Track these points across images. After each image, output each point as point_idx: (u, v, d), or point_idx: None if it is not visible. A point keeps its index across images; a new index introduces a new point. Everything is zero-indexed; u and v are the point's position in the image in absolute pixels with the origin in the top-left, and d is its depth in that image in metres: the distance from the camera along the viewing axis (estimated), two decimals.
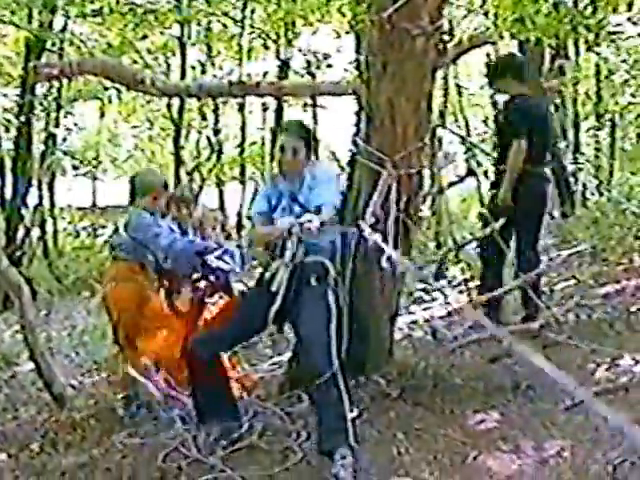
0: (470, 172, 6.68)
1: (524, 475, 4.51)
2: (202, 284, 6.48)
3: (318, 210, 5.14)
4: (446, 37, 5.91)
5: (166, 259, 6.30)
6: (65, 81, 16.75)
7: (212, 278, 6.44)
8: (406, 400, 5.67)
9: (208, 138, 20.39)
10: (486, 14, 9.98)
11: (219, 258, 6.39)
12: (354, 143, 5.95)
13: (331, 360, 4.87)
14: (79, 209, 22.36)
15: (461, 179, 7.77)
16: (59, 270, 16.87)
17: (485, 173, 19.56)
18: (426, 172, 6.04)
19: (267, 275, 5.24)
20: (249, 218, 5.78)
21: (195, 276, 6.45)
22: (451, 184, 7.36)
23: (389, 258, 4.49)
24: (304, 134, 5.50)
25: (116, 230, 6.58)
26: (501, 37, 7.88)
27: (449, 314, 8.41)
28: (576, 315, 7.56)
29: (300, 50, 17.74)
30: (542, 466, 4.59)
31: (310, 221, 4.98)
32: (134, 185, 6.48)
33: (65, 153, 18.89)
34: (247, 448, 5.18)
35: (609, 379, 5.78)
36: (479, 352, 6.69)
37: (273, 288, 5.11)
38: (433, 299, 9.20)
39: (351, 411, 5.24)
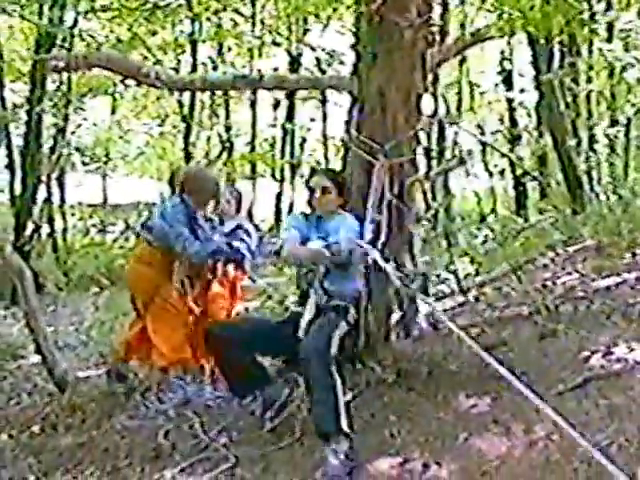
0: (461, 161, 6.64)
1: (513, 456, 4.55)
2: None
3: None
4: (435, 29, 5.98)
5: None
6: (75, 77, 16.88)
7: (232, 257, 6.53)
8: (401, 385, 5.73)
9: (219, 135, 20.49)
10: (489, 10, 10.04)
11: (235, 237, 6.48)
12: (347, 132, 6.03)
13: (328, 346, 4.94)
14: (89, 206, 22.48)
15: (450, 169, 7.79)
16: (67, 266, 16.96)
17: (502, 172, 19.75)
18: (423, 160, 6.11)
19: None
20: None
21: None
22: (438, 173, 7.39)
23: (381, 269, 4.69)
24: (332, 175, 5.63)
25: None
26: (502, 34, 7.89)
27: (453, 308, 8.47)
28: (574, 306, 7.60)
29: (311, 47, 17.80)
30: (531, 447, 4.63)
31: (337, 243, 5.16)
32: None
33: (76, 149, 19.01)
34: (246, 430, 5.27)
35: (603, 366, 5.83)
36: (477, 340, 6.75)
37: (300, 334, 5.22)
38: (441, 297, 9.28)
39: (345, 395, 5.36)
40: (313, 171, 5.85)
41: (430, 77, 6.22)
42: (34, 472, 4.80)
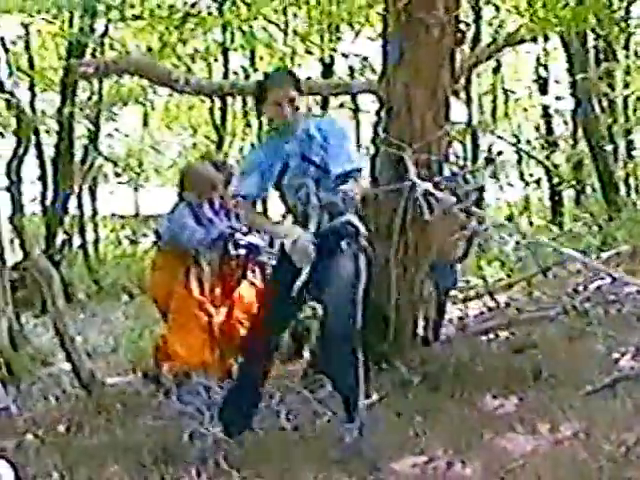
0: (490, 160, 6.59)
1: (538, 454, 4.52)
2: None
3: (345, 177, 4.67)
4: (463, 26, 5.94)
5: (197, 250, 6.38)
6: (106, 86, 17.03)
7: (243, 254, 6.51)
8: (427, 386, 5.73)
9: (252, 145, 20.51)
10: (519, 13, 10.01)
11: (246, 233, 6.47)
12: (375, 132, 6.02)
13: (354, 327, 4.76)
14: (121, 217, 22.60)
15: (479, 169, 7.75)
16: (98, 275, 17.06)
17: (537, 181, 19.60)
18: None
19: (288, 246, 4.77)
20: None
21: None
22: (469, 172, 7.34)
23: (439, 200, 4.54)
24: (295, 82, 4.90)
25: None
26: (534, 35, 7.87)
27: (482, 313, 8.44)
28: (605, 309, 7.54)
29: (343, 54, 17.79)
30: (557, 446, 4.61)
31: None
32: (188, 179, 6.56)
33: (106, 159, 19.13)
34: (269, 430, 5.25)
35: (632, 367, 5.78)
36: (506, 343, 6.74)
37: (297, 262, 4.72)
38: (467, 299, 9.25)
39: (369, 396, 5.33)
40: (271, 80, 4.96)
41: (463, 81, 6.20)
42: (58, 469, 4.80)
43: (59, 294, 6.56)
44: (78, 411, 6.16)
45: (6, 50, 7.76)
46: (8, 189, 8.16)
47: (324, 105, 19.51)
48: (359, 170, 4.78)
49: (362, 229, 4.84)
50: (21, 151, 8.46)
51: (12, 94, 8.10)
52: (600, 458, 4.31)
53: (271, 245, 6.60)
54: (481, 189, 5.96)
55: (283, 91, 4.80)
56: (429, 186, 4.85)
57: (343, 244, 4.78)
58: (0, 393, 6.42)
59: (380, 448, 4.76)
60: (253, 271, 6.69)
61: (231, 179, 6.74)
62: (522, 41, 8.10)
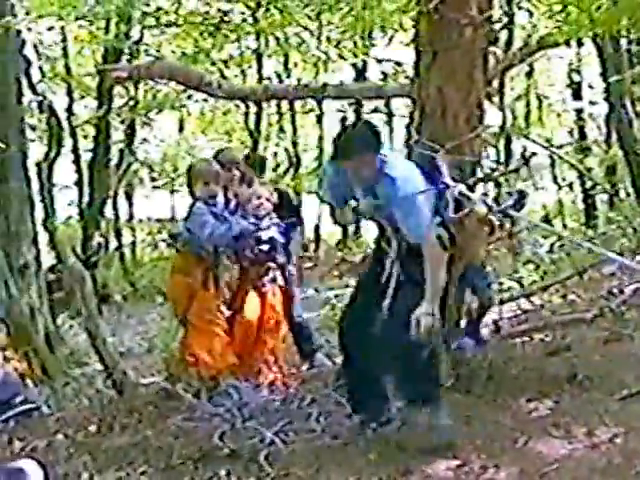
0: (525, 161, 6.51)
1: (573, 459, 4.47)
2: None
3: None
4: (497, 27, 5.87)
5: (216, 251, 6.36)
6: (141, 92, 17.13)
7: (265, 250, 6.50)
8: (459, 389, 5.65)
9: (286, 150, 20.57)
10: (551, 17, 9.91)
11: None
12: (407, 134, 5.95)
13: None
14: (157, 220, 22.68)
15: (514, 170, 7.67)
16: (134, 277, 17.15)
17: (570, 185, 19.48)
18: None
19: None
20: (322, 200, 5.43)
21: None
22: (502, 173, 7.26)
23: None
24: (369, 139, 4.97)
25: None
26: (569, 37, 7.78)
27: (516, 315, 8.36)
28: None
29: (376, 59, 17.77)
30: (592, 451, 4.55)
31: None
32: (189, 176, 6.59)
33: (142, 163, 19.24)
34: (301, 432, 5.21)
35: None
36: (540, 346, 6.67)
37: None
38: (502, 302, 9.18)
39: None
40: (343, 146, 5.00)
41: (496, 85, 6.13)
42: (88, 469, 4.80)
43: (91, 295, 6.59)
44: (109, 411, 6.14)
45: (38, 54, 7.81)
46: (40, 192, 8.19)
47: (357, 110, 19.52)
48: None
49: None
50: (52, 154, 8.47)
51: (44, 96, 8.13)
52: (636, 463, 4.28)
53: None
54: (522, 193, 5.83)
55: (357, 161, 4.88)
56: (463, 187, 4.78)
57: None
58: (32, 393, 6.43)
59: (412, 451, 4.72)
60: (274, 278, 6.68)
61: (248, 177, 6.74)
62: (555, 44, 8.01)
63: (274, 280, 6.76)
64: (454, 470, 4.48)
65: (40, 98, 8.18)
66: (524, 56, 8.04)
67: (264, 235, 6.55)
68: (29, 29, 7.72)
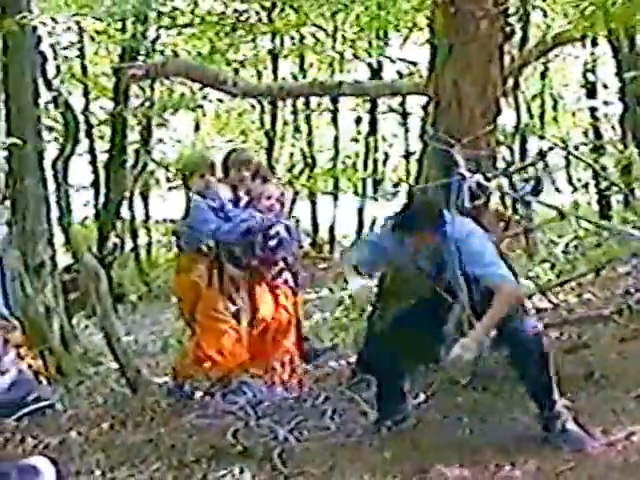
0: (542, 156, 6.43)
1: (590, 457, 4.42)
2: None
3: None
4: (513, 19, 5.85)
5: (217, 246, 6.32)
6: (157, 92, 17.16)
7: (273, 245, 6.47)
8: (475, 387, 5.64)
9: (302, 150, 20.55)
10: (565, 15, 9.88)
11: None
12: (422, 128, 5.93)
13: None
14: (172, 221, 22.68)
15: (531, 164, 7.61)
16: (149, 277, 17.16)
17: (585, 186, 19.38)
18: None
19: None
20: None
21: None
22: (519, 169, 7.20)
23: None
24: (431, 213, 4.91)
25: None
26: (584, 33, 7.72)
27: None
28: None
29: (391, 59, 17.71)
30: (609, 449, 4.50)
31: None
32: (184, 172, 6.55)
33: (158, 164, 19.26)
34: (315, 429, 5.21)
35: None
36: (557, 344, 6.62)
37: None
38: None
39: (416, 396, 5.29)
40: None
41: (511, 84, 6.09)
42: (100, 466, 4.78)
43: (106, 292, 6.59)
44: (122, 409, 6.15)
45: (55, 55, 7.83)
46: (57, 190, 8.21)
47: (372, 109, 19.45)
48: None
49: None
50: (68, 150, 8.49)
51: (59, 92, 8.15)
52: None
53: None
54: (538, 179, 5.75)
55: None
56: (480, 178, 4.75)
57: None
58: (46, 391, 6.43)
59: (427, 450, 4.69)
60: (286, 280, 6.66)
61: (262, 174, 6.71)
62: (570, 41, 7.96)
63: (286, 282, 6.74)
64: (469, 468, 4.42)
65: (55, 94, 8.17)
66: (539, 53, 8.01)
67: (272, 231, 6.53)
68: (44, 24, 7.70)
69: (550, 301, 7.78)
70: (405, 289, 5.98)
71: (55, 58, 8.10)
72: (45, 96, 8.82)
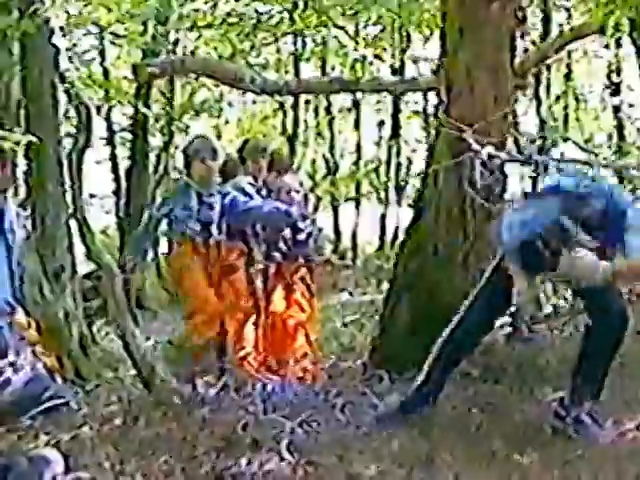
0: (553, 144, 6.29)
1: (599, 446, 4.44)
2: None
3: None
4: (524, 3, 5.84)
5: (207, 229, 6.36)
6: (178, 98, 17.22)
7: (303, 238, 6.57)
8: (486, 379, 5.66)
9: (324, 156, 20.60)
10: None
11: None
12: (436, 115, 5.93)
13: None
14: None
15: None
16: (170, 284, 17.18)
17: None
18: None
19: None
20: None
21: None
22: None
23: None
24: None
25: None
26: (602, 22, 7.68)
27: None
28: None
29: (413, 60, 17.74)
30: (619, 438, 4.52)
31: None
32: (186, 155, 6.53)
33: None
34: (325, 422, 5.21)
35: None
36: (571, 339, 6.60)
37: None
38: None
39: None
40: None
41: (532, 80, 6.07)
42: (110, 459, 4.78)
43: (120, 291, 6.63)
44: (136, 406, 6.17)
45: (72, 58, 7.90)
46: (71, 187, 8.22)
47: (395, 109, 19.43)
48: None
49: None
50: (81, 142, 8.52)
51: (72, 84, 8.22)
52: None
53: None
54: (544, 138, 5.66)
55: None
56: (491, 149, 4.75)
57: None
58: (61, 388, 6.45)
59: (436, 440, 4.68)
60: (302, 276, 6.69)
61: (278, 166, 6.74)
62: (589, 34, 7.94)
63: (303, 279, 6.77)
64: (477, 458, 4.42)
65: (68, 86, 8.24)
66: (559, 45, 7.99)
67: (301, 225, 6.57)
68: (57, 16, 7.75)
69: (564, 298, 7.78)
70: (420, 284, 6.01)
71: (71, 61, 8.11)
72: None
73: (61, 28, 8.76)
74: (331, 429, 5.08)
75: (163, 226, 6.50)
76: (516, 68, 6.49)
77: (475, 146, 4.94)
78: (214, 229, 6.44)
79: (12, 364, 6.01)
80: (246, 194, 6.56)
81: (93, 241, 6.98)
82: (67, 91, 8.29)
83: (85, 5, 11.31)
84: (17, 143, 6.96)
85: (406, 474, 4.29)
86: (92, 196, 19.62)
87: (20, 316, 6.15)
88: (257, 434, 4.97)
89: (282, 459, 4.59)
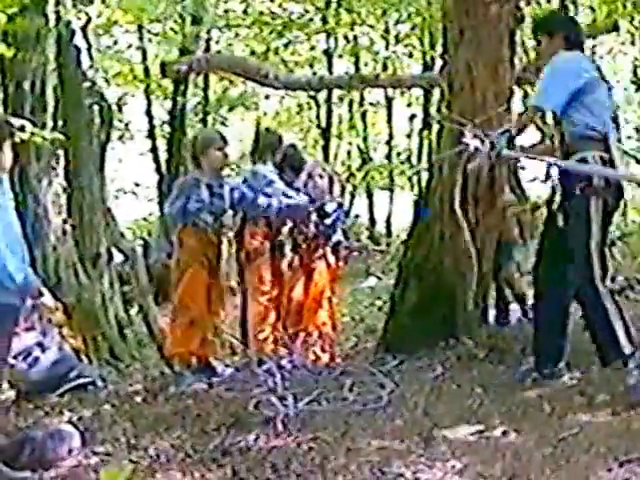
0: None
1: (593, 425, 4.53)
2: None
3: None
4: (522, 4, 5.96)
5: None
6: (212, 90, 17.49)
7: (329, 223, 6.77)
8: (492, 361, 5.79)
9: (358, 147, 20.77)
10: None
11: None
12: (438, 110, 6.10)
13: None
14: None
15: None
16: None
17: None
18: None
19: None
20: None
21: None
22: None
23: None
24: None
25: None
26: (616, 27, 7.81)
27: None
28: None
29: (441, 56, 17.80)
30: (612, 417, 4.62)
31: None
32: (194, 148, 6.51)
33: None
34: (333, 400, 5.40)
35: None
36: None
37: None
38: None
39: (434, 370, 5.47)
40: None
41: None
42: (127, 435, 4.98)
43: (143, 271, 6.87)
44: (158, 383, 6.40)
45: (88, 43, 8.11)
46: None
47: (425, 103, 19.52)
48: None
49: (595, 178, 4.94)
50: (102, 137, 8.82)
51: (94, 82, 8.49)
52: None
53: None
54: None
55: None
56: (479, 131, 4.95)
57: (576, 189, 4.96)
58: (87, 368, 6.71)
59: (438, 418, 4.85)
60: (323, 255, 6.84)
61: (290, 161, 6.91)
62: (597, 34, 8.05)
63: (323, 256, 6.90)
64: (475, 434, 4.56)
65: (90, 84, 8.51)
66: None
67: (329, 207, 6.72)
68: (79, 18, 8.01)
69: None
70: (426, 269, 6.19)
71: (89, 45, 8.30)
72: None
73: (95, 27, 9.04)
74: (338, 407, 5.24)
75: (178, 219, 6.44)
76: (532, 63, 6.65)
77: (470, 146, 5.10)
78: (228, 219, 6.48)
79: (40, 344, 6.26)
80: (267, 182, 6.69)
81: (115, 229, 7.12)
82: (90, 88, 8.56)
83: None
84: (44, 138, 7.25)
85: (405, 449, 4.42)
86: (137, 185, 20.05)
87: (47, 299, 6.33)
88: (267, 411, 5.15)
89: (289, 435, 4.78)
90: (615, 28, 8.04)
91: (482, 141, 5.12)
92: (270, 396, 5.46)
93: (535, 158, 4.97)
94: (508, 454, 4.21)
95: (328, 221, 6.83)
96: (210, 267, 6.34)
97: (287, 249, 6.82)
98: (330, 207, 6.80)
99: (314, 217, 6.79)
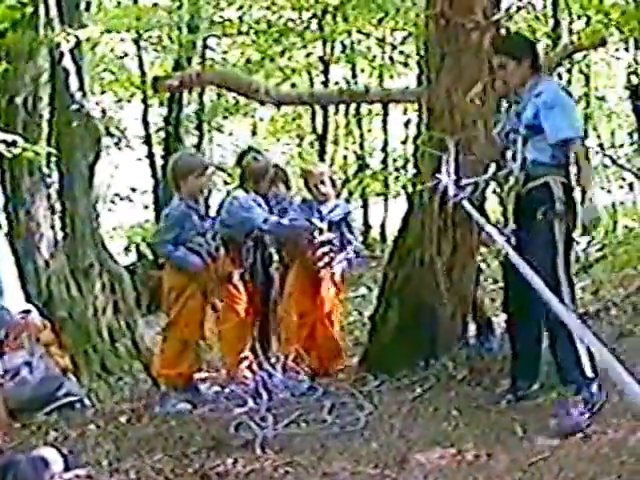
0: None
1: (564, 449, 4.56)
2: None
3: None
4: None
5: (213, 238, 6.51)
6: (208, 98, 17.57)
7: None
8: (470, 382, 5.84)
9: (355, 153, 20.84)
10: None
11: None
12: (417, 134, 6.19)
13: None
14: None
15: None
16: None
17: (630, 185, 19.32)
18: None
19: None
20: None
21: None
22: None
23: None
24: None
25: None
26: (603, 42, 7.89)
27: None
28: None
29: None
30: (583, 442, 4.63)
31: None
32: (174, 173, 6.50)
33: (217, 167, 19.67)
34: (311, 423, 5.49)
35: None
36: None
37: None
38: None
39: (413, 391, 5.55)
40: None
41: None
42: (109, 457, 5.08)
43: (130, 293, 6.94)
44: (143, 403, 6.49)
45: (77, 65, 8.21)
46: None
47: (420, 109, 19.57)
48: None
49: (558, 192, 5.03)
50: (91, 158, 8.94)
51: (82, 105, 8.58)
52: (623, 453, 4.34)
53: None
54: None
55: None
56: (449, 182, 5.01)
57: (538, 214, 5.03)
58: (74, 387, 6.79)
59: (413, 441, 4.94)
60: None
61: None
62: (588, 47, 8.12)
63: (332, 275, 6.93)
64: (448, 458, 4.64)
65: (77, 106, 8.60)
66: (559, 59, 8.18)
67: (333, 216, 6.82)
68: (67, 41, 8.08)
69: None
70: (408, 290, 6.29)
71: (78, 66, 8.41)
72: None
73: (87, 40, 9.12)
74: (316, 429, 5.34)
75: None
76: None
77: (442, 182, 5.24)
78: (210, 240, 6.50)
79: (28, 363, 6.34)
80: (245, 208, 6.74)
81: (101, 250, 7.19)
82: (77, 111, 8.66)
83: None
84: (37, 153, 7.32)
85: (379, 474, 4.52)
86: (133, 190, 20.12)
87: (35, 317, 6.38)
88: (246, 434, 5.25)
89: (266, 459, 4.88)
90: (602, 43, 8.10)
91: (456, 181, 5.24)
92: (252, 417, 5.56)
93: (483, 229, 5.04)
94: (480, 478, 4.31)
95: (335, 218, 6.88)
96: (205, 288, 6.42)
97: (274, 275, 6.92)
98: (326, 207, 6.86)
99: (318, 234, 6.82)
